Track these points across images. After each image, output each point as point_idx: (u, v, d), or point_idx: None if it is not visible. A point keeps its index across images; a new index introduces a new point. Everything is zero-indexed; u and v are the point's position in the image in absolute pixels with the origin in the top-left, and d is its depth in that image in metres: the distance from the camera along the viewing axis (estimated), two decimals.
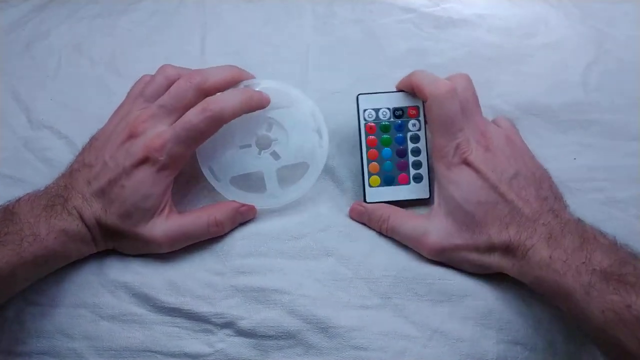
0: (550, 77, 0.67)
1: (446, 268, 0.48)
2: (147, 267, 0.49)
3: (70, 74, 0.70)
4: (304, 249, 0.50)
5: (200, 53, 0.72)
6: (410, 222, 0.48)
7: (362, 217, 0.51)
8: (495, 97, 0.64)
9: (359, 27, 0.75)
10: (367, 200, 0.52)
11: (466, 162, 0.45)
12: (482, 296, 0.47)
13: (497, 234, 0.43)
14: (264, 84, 0.57)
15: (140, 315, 0.46)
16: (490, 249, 0.44)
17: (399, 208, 0.50)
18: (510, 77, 0.68)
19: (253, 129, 0.55)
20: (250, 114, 0.54)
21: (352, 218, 0.52)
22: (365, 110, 0.55)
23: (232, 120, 0.51)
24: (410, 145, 0.54)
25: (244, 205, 0.50)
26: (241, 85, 0.55)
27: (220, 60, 0.70)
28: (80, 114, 0.64)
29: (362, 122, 0.55)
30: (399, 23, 0.76)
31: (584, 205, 0.53)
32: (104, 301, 0.47)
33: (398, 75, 0.68)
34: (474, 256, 0.45)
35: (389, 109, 0.55)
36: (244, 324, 0.46)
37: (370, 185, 0.52)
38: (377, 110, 0.55)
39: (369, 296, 0.47)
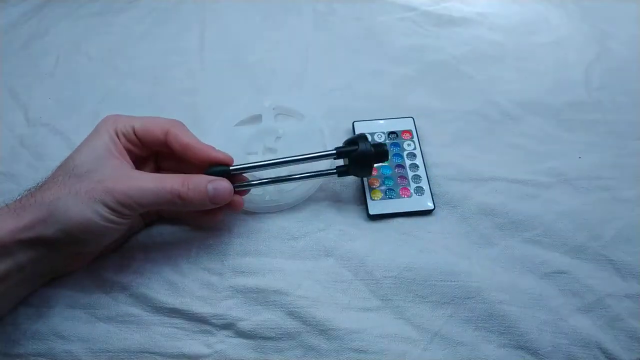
0: (553, 75, 0.67)
1: (449, 269, 0.48)
2: (144, 266, 0.48)
3: (69, 71, 0.70)
4: (303, 249, 0.50)
5: (199, 49, 0.71)
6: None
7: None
8: (498, 94, 0.64)
9: (359, 25, 0.75)
10: (370, 213, 0.52)
11: None
12: (484, 299, 0.46)
13: None
14: (274, 101, 0.61)
15: (138, 316, 0.46)
16: None
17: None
18: (513, 75, 0.67)
19: (262, 139, 0.58)
20: (263, 126, 0.59)
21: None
22: None
23: (244, 130, 0.57)
24: (408, 162, 0.56)
25: (216, 181, 0.44)
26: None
27: (219, 57, 0.71)
28: (77, 111, 0.64)
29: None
30: (399, 21, 0.75)
31: (589, 204, 0.52)
32: (100, 302, 0.46)
33: (399, 72, 0.68)
34: None
35: (383, 132, 0.59)
36: (243, 325, 0.45)
37: (372, 199, 0.53)
38: (372, 134, 0.58)
39: (369, 298, 0.47)
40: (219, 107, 0.62)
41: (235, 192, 0.46)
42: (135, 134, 0.44)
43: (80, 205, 0.39)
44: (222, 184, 0.44)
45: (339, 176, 0.49)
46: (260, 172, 0.49)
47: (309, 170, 0.49)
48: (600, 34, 0.72)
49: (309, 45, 0.71)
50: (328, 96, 0.64)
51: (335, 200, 0.54)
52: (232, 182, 0.45)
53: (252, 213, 0.52)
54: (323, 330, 0.44)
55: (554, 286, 0.47)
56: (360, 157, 0.47)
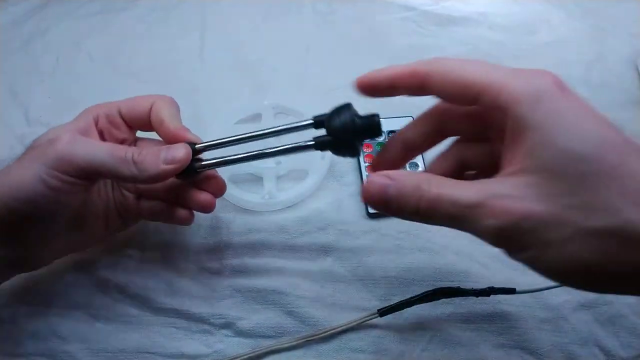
0: None
1: (449, 268, 0.48)
2: (142, 266, 0.48)
3: (69, 71, 0.70)
4: (302, 248, 0.50)
5: (200, 49, 0.71)
6: (466, 185, 0.28)
7: (388, 192, 0.30)
8: None
9: (359, 25, 0.75)
10: (370, 212, 0.52)
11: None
12: (483, 298, 0.46)
13: None
14: (274, 100, 0.60)
15: (136, 316, 0.46)
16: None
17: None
18: None
19: None
20: (262, 124, 0.57)
21: (369, 201, 0.31)
22: None
23: (244, 129, 0.49)
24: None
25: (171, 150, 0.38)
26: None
27: (220, 57, 0.70)
28: (77, 111, 0.63)
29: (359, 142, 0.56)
30: (399, 20, 0.75)
31: None
32: (98, 302, 0.46)
33: None
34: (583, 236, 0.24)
35: (383, 131, 0.56)
36: (242, 324, 0.45)
37: None
38: None
39: (368, 298, 0.47)
40: (219, 105, 0.62)
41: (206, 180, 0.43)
42: (120, 115, 0.42)
43: (19, 170, 0.35)
44: (176, 145, 0.39)
45: (321, 150, 0.38)
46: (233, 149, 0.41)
47: (284, 144, 0.40)
48: (600, 33, 0.71)
49: (309, 45, 0.71)
50: (328, 95, 0.64)
51: (335, 198, 0.54)
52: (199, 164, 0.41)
53: (250, 212, 0.52)
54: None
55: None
56: (339, 130, 0.36)
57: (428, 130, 0.35)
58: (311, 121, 0.38)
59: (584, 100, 0.27)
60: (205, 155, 0.42)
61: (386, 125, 0.58)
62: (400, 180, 0.29)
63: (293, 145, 0.39)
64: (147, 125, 0.42)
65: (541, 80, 0.27)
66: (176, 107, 0.42)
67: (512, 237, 0.26)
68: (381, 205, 0.30)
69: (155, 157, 0.37)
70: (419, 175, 0.30)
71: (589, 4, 0.76)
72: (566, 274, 0.26)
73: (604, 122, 0.26)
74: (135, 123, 0.42)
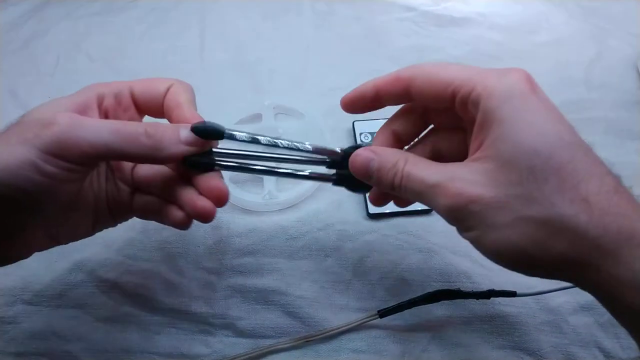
0: (553, 75, 0.67)
1: (449, 269, 0.48)
2: (142, 265, 0.48)
3: (69, 71, 0.70)
4: (302, 248, 0.50)
5: (199, 49, 0.71)
6: (433, 166, 0.32)
7: (370, 165, 0.34)
8: None
9: (359, 25, 0.75)
10: (370, 212, 0.52)
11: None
12: (484, 300, 0.46)
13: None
14: (274, 100, 0.60)
15: (136, 316, 0.46)
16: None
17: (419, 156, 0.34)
18: None
19: None
20: (263, 125, 0.58)
21: (354, 171, 0.35)
22: (361, 134, 0.59)
23: (244, 129, 0.45)
24: None
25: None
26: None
27: (220, 57, 0.70)
28: None
29: (359, 143, 0.58)
30: (399, 21, 0.75)
31: None
32: (98, 302, 0.46)
33: None
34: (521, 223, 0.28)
35: (368, 133, 0.59)
36: (242, 324, 0.45)
37: None
38: (372, 134, 0.58)
39: (368, 299, 0.47)
40: (219, 106, 0.62)
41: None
42: (132, 95, 0.38)
43: (5, 150, 0.30)
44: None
45: (334, 184, 0.39)
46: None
47: (304, 170, 0.39)
48: (601, 33, 0.71)
49: (309, 45, 0.71)
50: (328, 95, 0.64)
51: (335, 199, 0.53)
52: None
53: (250, 212, 0.52)
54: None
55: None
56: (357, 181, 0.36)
57: (414, 118, 0.37)
58: (334, 177, 0.38)
59: (550, 101, 0.30)
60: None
61: (368, 127, 0.59)
62: (382, 156, 0.34)
63: (314, 174, 0.38)
64: (159, 111, 0.37)
65: (513, 78, 0.29)
66: (194, 95, 0.39)
67: (460, 217, 0.29)
68: (364, 177, 0.34)
69: (175, 133, 0.34)
70: (399, 153, 0.33)
71: (589, 3, 0.76)
72: (502, 255, 0.29)
73: (564, 123, 0.29)
74: (147, 105, 0.38)
